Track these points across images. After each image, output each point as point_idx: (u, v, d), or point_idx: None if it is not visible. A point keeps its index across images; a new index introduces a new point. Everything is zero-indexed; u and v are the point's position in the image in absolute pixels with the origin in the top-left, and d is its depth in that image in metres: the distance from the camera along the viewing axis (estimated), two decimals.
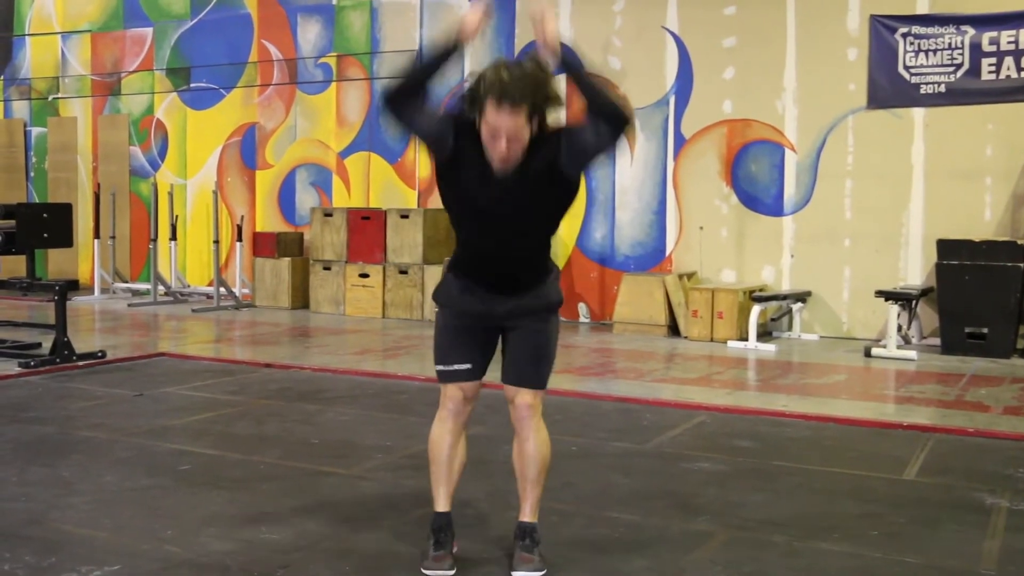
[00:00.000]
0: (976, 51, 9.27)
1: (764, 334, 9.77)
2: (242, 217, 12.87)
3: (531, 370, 3.53)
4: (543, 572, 3.49)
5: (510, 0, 11.38)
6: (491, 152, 3.25)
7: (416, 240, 11.19)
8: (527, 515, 3.60)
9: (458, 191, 3.40)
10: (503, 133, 3.18)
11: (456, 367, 3.53)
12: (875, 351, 8.74)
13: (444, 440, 3.59)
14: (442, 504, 3.63)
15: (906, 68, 9.57)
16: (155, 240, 12.62)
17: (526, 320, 3.51)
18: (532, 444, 3.55)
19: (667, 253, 10.71)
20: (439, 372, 3.57)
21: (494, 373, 3.64)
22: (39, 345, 8.45)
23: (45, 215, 8.30)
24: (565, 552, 3.75)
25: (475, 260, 3.51)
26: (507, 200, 3.32)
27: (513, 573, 3.50)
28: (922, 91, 9.52)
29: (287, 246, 12.31)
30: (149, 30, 13.86)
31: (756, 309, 9.30)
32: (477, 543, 3.84)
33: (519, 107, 3.15)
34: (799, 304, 9.96)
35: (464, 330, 3.54)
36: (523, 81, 3.15)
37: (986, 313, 8.73)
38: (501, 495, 4.30)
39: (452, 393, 3.56)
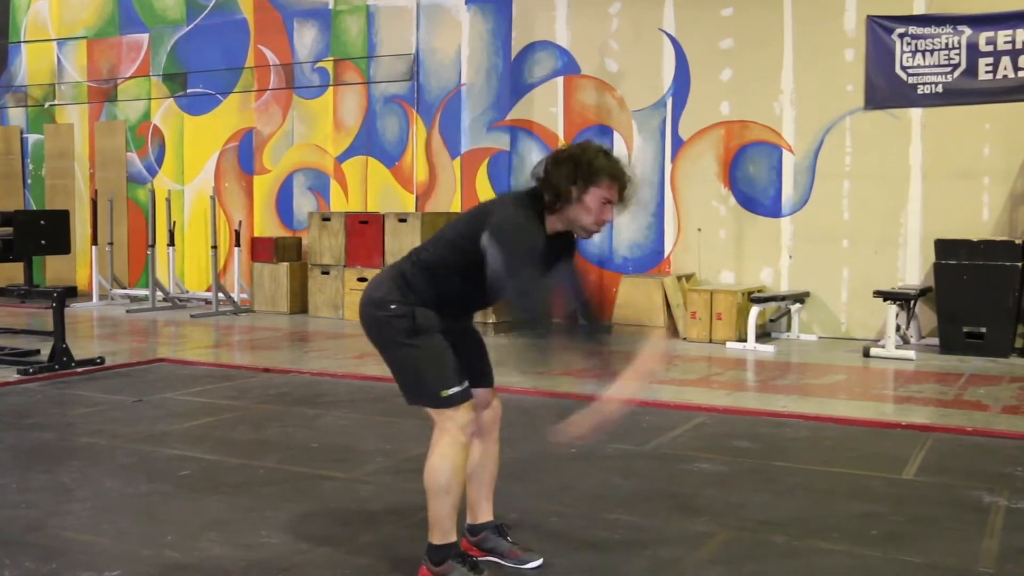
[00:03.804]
0: (973, 51, 9.28)
1: (763, 335, 9.77)
2: (240, 222, 12.87)
3: (493, 372, 3.67)
4: None
5: (507, 4, 11.42)
6: (586, 219, 3.34)
7: (414, 244, 10.99)
8: (492, 513, 3.71)
9: None
10: (612, 208, 3.37)
11: (466, 384, 3.38)
12: (874, 351, 8.74)
13: (470, 462, 3.47)
14: (486, 515, 3.69)
15: (903, 68, 9.58)
16: (153, 246, 12.62)
17: (470, 328, 3.65)
18: (497, 444, 3.67)
19: (665, 255, 10.72)
20: (450, 396, 3.31)
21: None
22: (38, 352, 8.45)
23: (42, 222, 8.30)
24: (565, 554, 3.75)
25: (462, 303, 3.52)
26: (557, 261, 3.45)
27: (528, 565, 3.60)
28: (919, 91, 9.54)
29: (285, 251, 12.31)
30: (145, 36, 13.87)
31: (755, 310, 9.30)
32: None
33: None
34: (798, 305, 9.97)
35: (449, 348, 3.43)
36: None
37: (984, 312, 8.74)
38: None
39: (466, 415, 3.34)
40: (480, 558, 3.56)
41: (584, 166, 3.29)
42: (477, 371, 3.53)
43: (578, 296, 3.49)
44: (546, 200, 3.33)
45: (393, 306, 3.36)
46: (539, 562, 3.63)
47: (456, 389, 3.32)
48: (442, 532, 3.37)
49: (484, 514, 3.67)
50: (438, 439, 3.34)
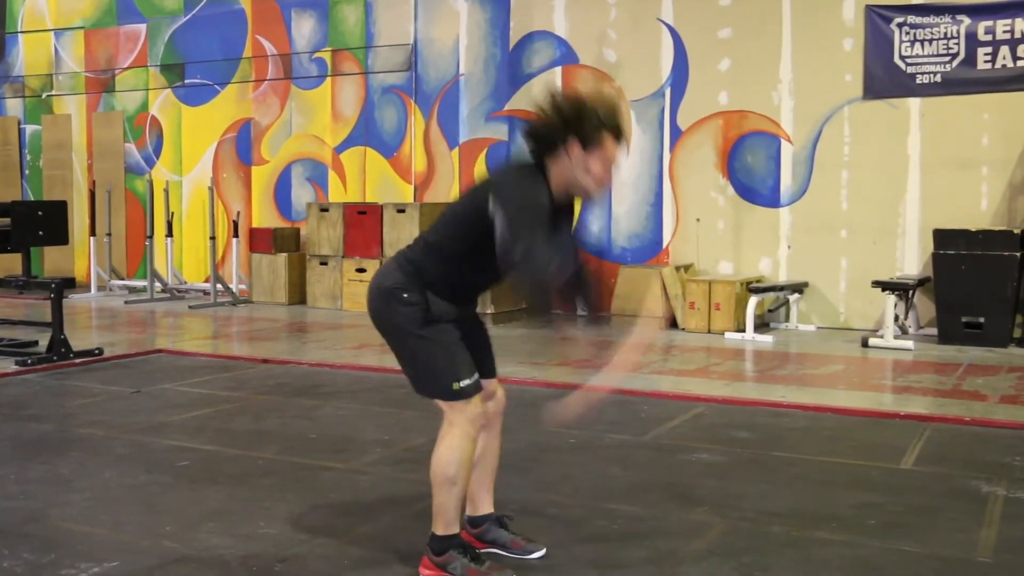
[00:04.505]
0: (972, 40, 9.26)
1: (761, 325, 9.77)
2: (238, 213, 12.86)
3: (496, 362, 3.66)
4: None
5: None
6: (591, 181, 3.27)
7: (412, 234, 11.16)
8: (493, 505, 3.70)
9: None
10: (614, 165, 3.29)
11: (477, 377, 3.36)
12: (872, 341, 8.74)
13: (477, 451, 3.43)
14: (487, 506, 3.68)
15: (902, 58, 9.57)
16: (151, 237, 12.61)
17: (475, 319, 3.61)
18: (499, 436, 3.68)
19: (664, 245, 10.72)
20: (462, 389, 3.29)
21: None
22: (36, 343, 8.44)
23: (40, 213, 8.28)
24: (564, 545, 3.75)
25: (474, 282, 3.46)
26: (560, 229, 3.37)
27: (532, 555, 3.61)
28: (918, 81, 9.52)
29: (284, 242, 12.30)
30: (143, 26, 13.84)
31: (753, 300, 9.30)
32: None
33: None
34: (796, 295, 9.97)
35: (460, 339, 3.40)
36: None
37: (983, 302, 8.73)
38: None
39: (477, 407, 3.33)
40: (482, 550, 3.56)
41: (585, 124, 3.21)
42: (483, 362, 3.50)
43: (576, 270, 3.36)
44: (542, 155, 3.27)
45: (405, 295, 3.31)
46: (542, 552, 3.63)
47: (468, 381, 3.30)
48: (446, 523, 3.36)
49: (485, 506, 3.67)
50: (447, 431, 3.32)
